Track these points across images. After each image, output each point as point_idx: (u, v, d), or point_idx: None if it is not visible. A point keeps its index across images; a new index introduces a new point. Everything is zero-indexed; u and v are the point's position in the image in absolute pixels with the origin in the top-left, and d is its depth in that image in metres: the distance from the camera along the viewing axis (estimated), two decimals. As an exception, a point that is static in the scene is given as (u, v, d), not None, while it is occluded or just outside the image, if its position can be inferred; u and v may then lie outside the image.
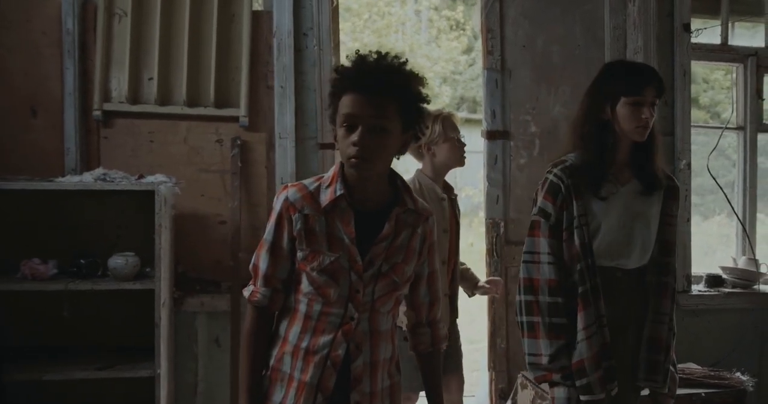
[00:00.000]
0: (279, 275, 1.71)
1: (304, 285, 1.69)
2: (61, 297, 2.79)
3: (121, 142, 3.14)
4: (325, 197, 1.68)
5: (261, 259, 1.72)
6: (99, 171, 2.87)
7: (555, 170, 2.15)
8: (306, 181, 1.74)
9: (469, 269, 3.01)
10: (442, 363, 1.91)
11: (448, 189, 2.85)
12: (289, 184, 1.74)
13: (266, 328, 1.74)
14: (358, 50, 1.69)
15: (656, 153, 2.19)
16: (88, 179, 2.80)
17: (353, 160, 1.61)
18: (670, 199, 2.23)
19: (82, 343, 2.98)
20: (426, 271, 1.83)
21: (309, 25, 3.23)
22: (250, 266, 1.75)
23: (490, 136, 3.47)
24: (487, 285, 2.98)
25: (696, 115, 6.71)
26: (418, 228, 1.76)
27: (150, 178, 2.86)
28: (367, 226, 1.68)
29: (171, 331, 3.03)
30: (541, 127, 3.55)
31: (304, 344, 1.69)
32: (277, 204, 1.71)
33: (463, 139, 2.78)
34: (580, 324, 2.07)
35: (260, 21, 3.22)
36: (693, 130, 3.85)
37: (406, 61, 1.67)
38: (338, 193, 1.66)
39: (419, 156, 2.79)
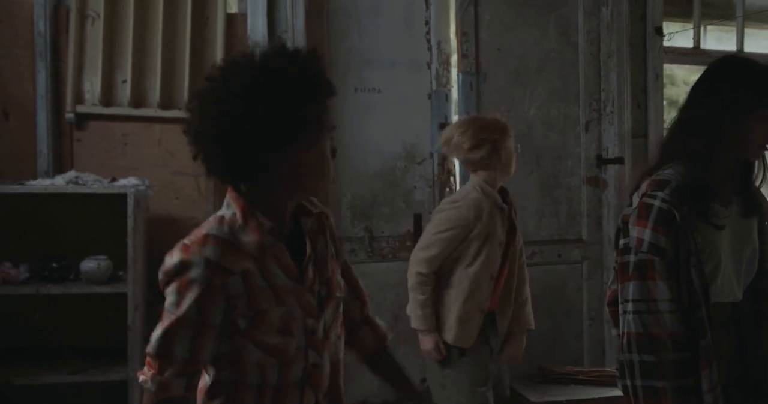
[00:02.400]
0: (204, 359, 1.35)
1: (251, 353, 1.35)
2: (33, 301, 2.77)
3: (95, 145, 3.12)
4: (249, 238, 1.34)
5: (178, 343, 1.30)
6: (71, 174, 2.85)
7: (661, 194, 1.70)
8: (212, 231, 1.35)
9: (528, 314, 2.82)
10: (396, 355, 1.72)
11: (505, 194, 2.77)
12: (191, 241, 1.33)
13: None
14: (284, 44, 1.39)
15: (760, 171, 1.85)
16: (60, 182, 2.79)
17: (327, 184, 1.40)
18: (766, 215, 1.88)
19: (55, 346, 2.96)
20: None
21: (284, 28, 3.23)
22: (153, 350, 1.32)
23: (465, 138, 3.48)
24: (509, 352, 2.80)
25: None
26: (326, 230, 1.52)
27: (123, 181, 2.85)
28: (291, 254, 1.40)
29: (145, 335, 3.01)
30: (516, 129, 3.53)
31: None
32: (196, 272, 1.29)
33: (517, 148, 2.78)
34: (705, 386, 1.68)
35: (234, 24, 3.22)
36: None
37: None
38: (267, 227, 1.36)
39: (485, 165, 2.67)
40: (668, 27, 3.82)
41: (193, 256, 1.31)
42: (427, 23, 3.44)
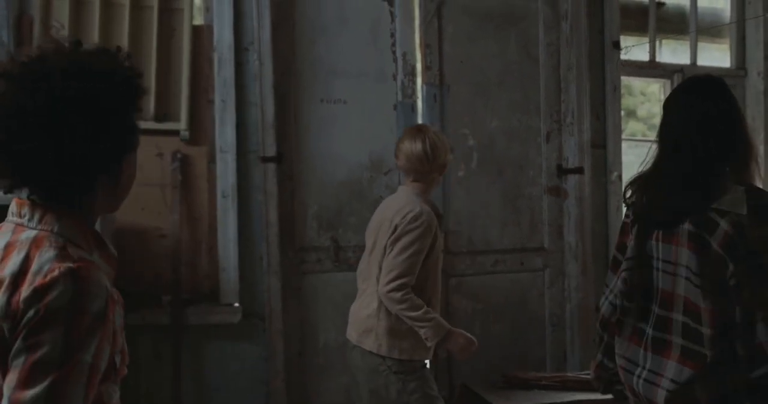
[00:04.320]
0: None
1: (111, 397, 1.26)
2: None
3: (59, 156, 3.10)
4: (103, 265, 1.25)
5: (72, 399, 1.10)
6: (35, 185, 2.83)
7: None
8: (75, 252, 1.18)
9: None
10: None
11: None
12: (75, 264, 1.15)
13: None
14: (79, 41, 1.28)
15: None
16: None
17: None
18: None
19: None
20: None
21: (250, 40, 3.25)
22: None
23: (430, 149, 3.53)
24: None
25: (634, 126, 6.92)
26: None
27: (88, 193, 2.84)
28: None
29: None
30: (478, 140, 3.64)
31: None
32: (96, 303, 1.13)
33: None
34: None
35: (201, 35, 3.23)
36: (630, 143, 4.03)
37: None
38: (115, 254, 1.31)
39: (425, 176, 2.75)
40: (625, 41, 3.94)
41: (94, 284, 1.15)
42: (392, 35, 3.49)
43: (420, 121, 3.54)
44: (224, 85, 3.21)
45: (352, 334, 2.75)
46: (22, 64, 1.20)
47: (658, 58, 4.12)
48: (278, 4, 3.29)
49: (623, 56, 3.90)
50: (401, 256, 2.59)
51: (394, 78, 3.48)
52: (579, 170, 3.73)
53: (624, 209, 2.07)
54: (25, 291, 1.12)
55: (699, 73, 3.98)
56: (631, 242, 1.92)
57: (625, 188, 2.01)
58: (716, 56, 4.39)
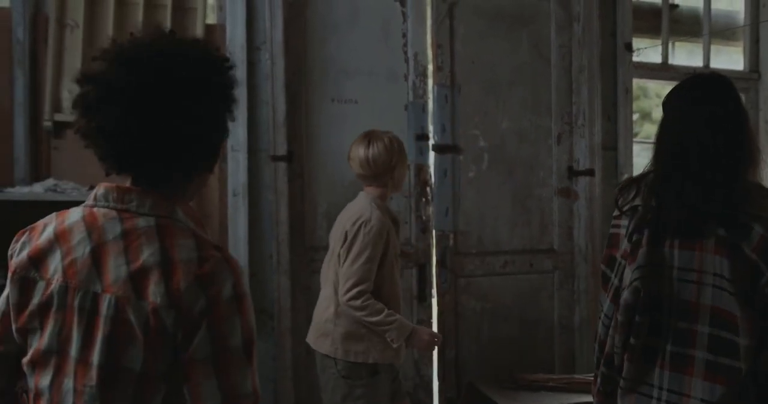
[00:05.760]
0: None
1: None
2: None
3: (73, 153, 3.13)
4: None
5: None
6: (50, 181, 2.87)
7: None
8: (207, 238, 1.24)
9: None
10: None
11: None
12: (220, 252, 1.20)
13: None
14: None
15: None
16: (38, 190, 2.80)
17: None
18: None
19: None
20: None
21: (262, 40, 3.27)
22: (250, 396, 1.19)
23: (440, 149, 3.54)
24: None
25: (650, 129, 6.89)
26: None
27: (100, 189, 2.87)
28: None
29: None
30: (489, 141, 3.64)
31: None
32: (246, 284, 1.21)
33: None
34: None
35: (213, 34, 3.25)
36: (643, 145, 4.02)
37: None
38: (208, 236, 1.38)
39: (376, 181, 2.76)
40: (638, 43, 3.93)
41: (239, 266, 1.22)
42: (404, 35, 3.50)
43: (431, 121, 3.55)
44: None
45: (310, 337, 2.78)
46: (131, 47, 1.20)
47: (671, 61, 4.10)
48: (291, 3, 3.31)
49: (636, 58, 3.89)
50: (355, 265, 2.60)
51: (406, 78, 3.49)
52: (590, 172, 3.72)
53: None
54: (183, 280, 1.13)
55: (712, 75, 4.00)
56: (642, 249, 1.75)
57: (618, 194, 1.88)
58: (730, 59, 4.36)
